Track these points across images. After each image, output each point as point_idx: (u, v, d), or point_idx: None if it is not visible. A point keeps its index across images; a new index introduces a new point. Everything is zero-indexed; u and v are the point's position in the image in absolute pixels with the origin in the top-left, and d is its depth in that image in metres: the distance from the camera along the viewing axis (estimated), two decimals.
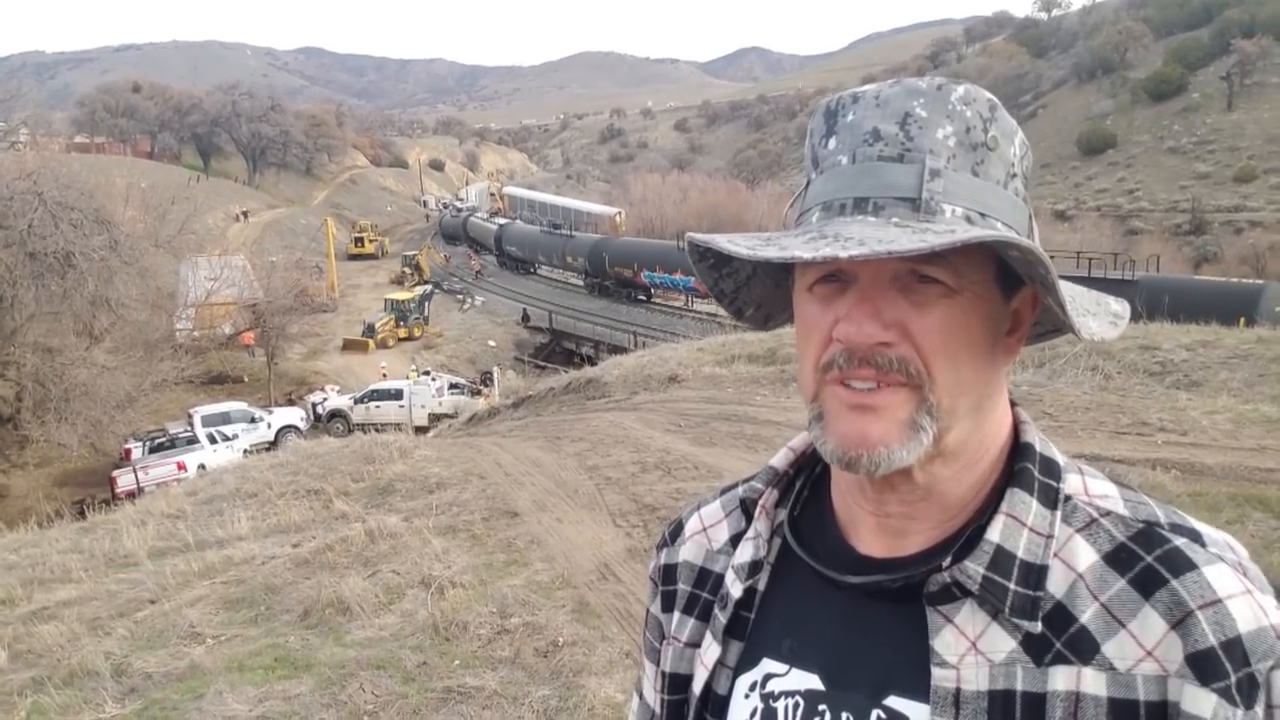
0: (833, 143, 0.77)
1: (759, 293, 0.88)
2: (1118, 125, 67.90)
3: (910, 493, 0.77)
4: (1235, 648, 0.67)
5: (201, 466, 19.30)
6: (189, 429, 23.69)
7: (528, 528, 6.53)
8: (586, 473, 7.83)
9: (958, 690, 0.71)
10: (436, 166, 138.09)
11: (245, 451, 21.09)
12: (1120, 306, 0.79)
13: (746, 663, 0.85)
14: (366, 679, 4.39)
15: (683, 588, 0.92)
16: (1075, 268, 23.82)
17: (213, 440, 22.79)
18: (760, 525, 0.87)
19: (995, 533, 0.74)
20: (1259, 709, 0.66)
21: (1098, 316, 0.76)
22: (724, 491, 0.95)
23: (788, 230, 0.78)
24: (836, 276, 0.74)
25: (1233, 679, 0.66)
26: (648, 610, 0.98)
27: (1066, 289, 0.74)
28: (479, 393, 26.77)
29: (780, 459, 0.90)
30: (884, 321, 0.72)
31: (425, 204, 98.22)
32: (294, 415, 26.73)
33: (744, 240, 0.74)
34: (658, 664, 0.93)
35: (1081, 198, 61.04)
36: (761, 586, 0.86)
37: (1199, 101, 65.08)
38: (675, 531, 0.97)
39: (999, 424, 0.80)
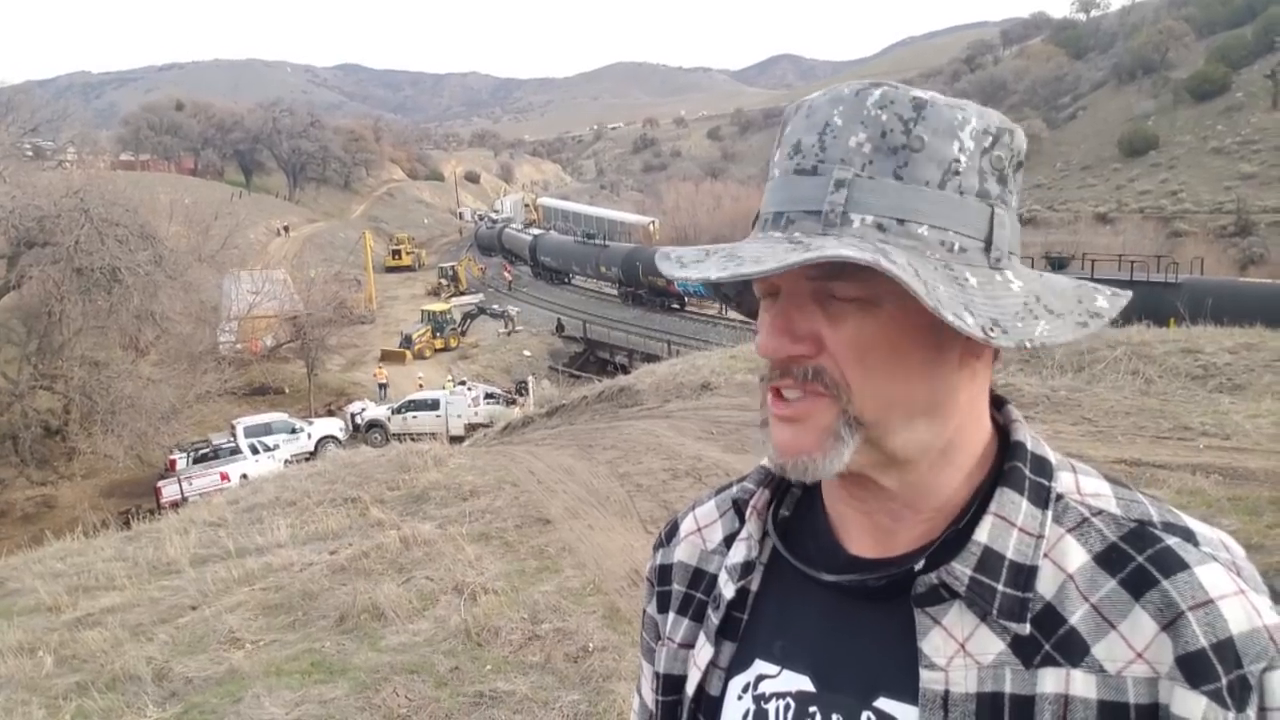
0: (777, 154, 0.77)
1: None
2: (1159, 126, 66.55)
3: (879, 495, 0.77)
4: (1227, 649, 0.65)
5: (244, 476, 19.66)
6: (232, 440, 24.13)
7: (559, 535, 6.57)
8: (618, 480, 7.85)
9: (946, 692, 0.71)
10: (472, 179, 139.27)
11: (286, 461, 21.44)
12: (1107, 301, 0.74)
13: (739, 664, 0.84)
14: (400, 683, 4.45)
15: (677, 588, 0.92)
16: (1117, 270, 23.35)
17: (254, 450, 23.18)
18: (752, 526, 0.87)
19: (983, 533, 0.73)
20: (1251, 711, 0.65)
21: (1063, 316, 0.72)
22: (719, 491, 0.95)
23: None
24: (774, 292, 0.75)
25: (1224, 681, 0.65)
26: (644, 610, 0.98)
27: (1038, 284, 0.73)
28: (514, 402, 26.90)
29: None
30: (796, 335, 0.73)
31: (461, 216, 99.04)
32: (333, 426, 27.15)
33: (690, 253, 0.75)
34: (653, 664, 0.93)
35: (1124, 200, 59.90)
36: (754, 587, 0.86)
37: (1243, 101, 63.52)
38: (671, 532, 0.97)
39: (975, 424, 0.78)
